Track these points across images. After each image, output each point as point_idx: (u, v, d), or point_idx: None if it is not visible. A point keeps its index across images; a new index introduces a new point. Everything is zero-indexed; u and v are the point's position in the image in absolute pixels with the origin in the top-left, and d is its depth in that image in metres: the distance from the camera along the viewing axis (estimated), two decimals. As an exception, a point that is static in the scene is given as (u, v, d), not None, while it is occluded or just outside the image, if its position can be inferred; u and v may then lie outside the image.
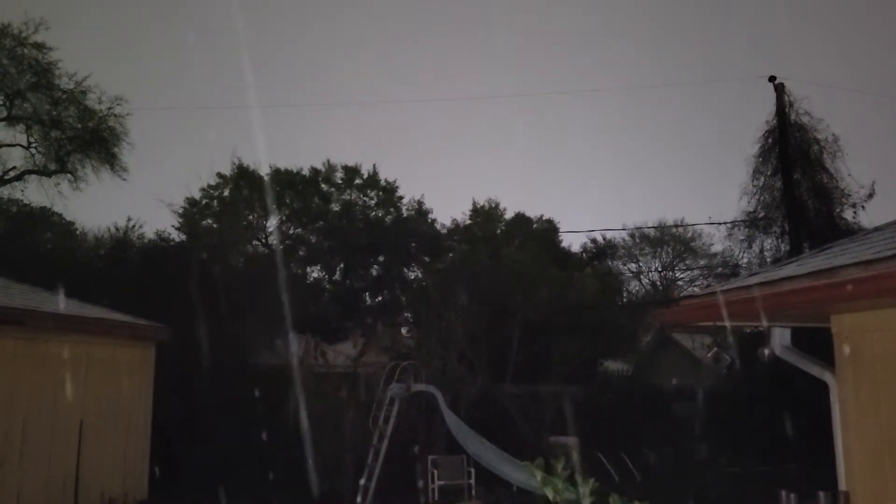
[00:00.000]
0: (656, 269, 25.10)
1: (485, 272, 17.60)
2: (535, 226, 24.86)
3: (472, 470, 12.92)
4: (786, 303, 4.78)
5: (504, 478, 12.81)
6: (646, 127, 39.16)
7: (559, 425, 15.15)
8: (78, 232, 22.10)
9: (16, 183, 19.47)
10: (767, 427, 12.79)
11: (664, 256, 24.93)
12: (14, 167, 19.26)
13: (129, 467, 10.21)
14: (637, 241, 25.08)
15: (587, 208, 39.78)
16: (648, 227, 24.59)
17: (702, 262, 24.43)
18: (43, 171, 19.49)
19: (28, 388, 8.49)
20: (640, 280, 25.32)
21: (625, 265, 25.26)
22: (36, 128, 19.13)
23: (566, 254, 23.44)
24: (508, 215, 25.66)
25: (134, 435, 10.38)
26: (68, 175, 19.53)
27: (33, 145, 19.34)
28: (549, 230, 24.33)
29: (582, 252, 24.69)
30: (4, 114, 18.65)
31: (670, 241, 24.80)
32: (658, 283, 24.87)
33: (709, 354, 18.57)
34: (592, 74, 35.47)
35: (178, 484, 12.35)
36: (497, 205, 26.07)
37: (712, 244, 24.52)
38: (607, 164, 39.98)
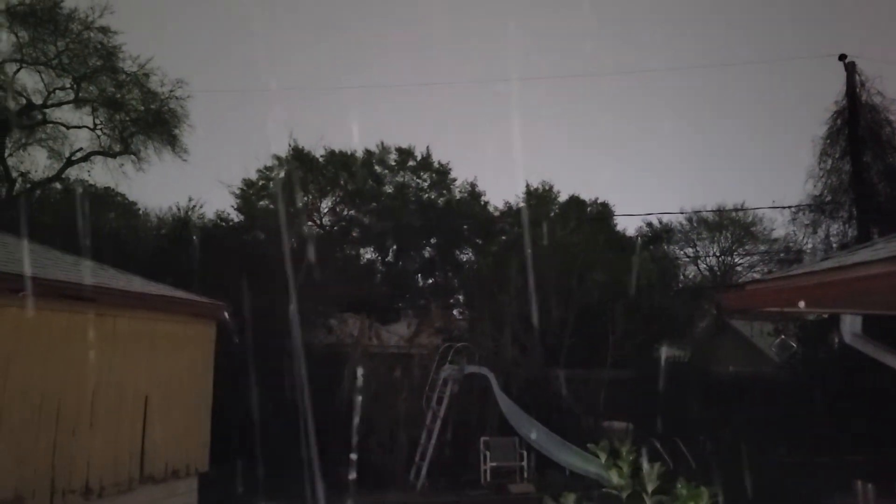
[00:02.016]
0: (714, 254, 24.54)
1: (539, 255, 17.46)
2: (589, 209, 24.55)
3: (525, 452, 12.92)
4: (861, 289, 4.59)
5: (557, 461, 12.78)
6: (706, 108, 38.13)
7: (612, 410, 15.03)
8: (140, 211, 22.77)
9: (83, 164, 20.11)
10: (831, 416, 12.43)
11: (723, 241, 24.34)
12: (81, 148, 19.91)
13: (190, 440, 10.48)
14: (695, 225, 24.56)
15: (643, 191, 39.03)
16: (707, 211, 24.05)
17: (762, 248, 23.80)
18: (108, 153, 20.08)
19: (97, 362, 8.75)
20: (697, 265, 24.80)
21: (681, 250, 24.80)
22: (101, 110, 19.69)
23: (621, 237, 23.11)
24: (562, 198, 25.41)
25: (195, 409, 10.64)
26: (132, 156, 20.10)
27: (99, 127, 19.93)
28: (603, 213, 24.01)
29: (637, 236, 24.33)
30: (72, 96, 19.24)
31: (729, 225, 24.20)
32: (716, 268, 24.30)
33: (776, 342, 18.08)
34: (649, 55, 34.70)
35: (236, 457, 12.70)
36: (551, 188, 25.84)
37: (774, 229, 23.86)
38: (665, 146, 39.16)
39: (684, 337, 20.52)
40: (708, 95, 36.23)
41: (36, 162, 19.80)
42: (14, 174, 19.30)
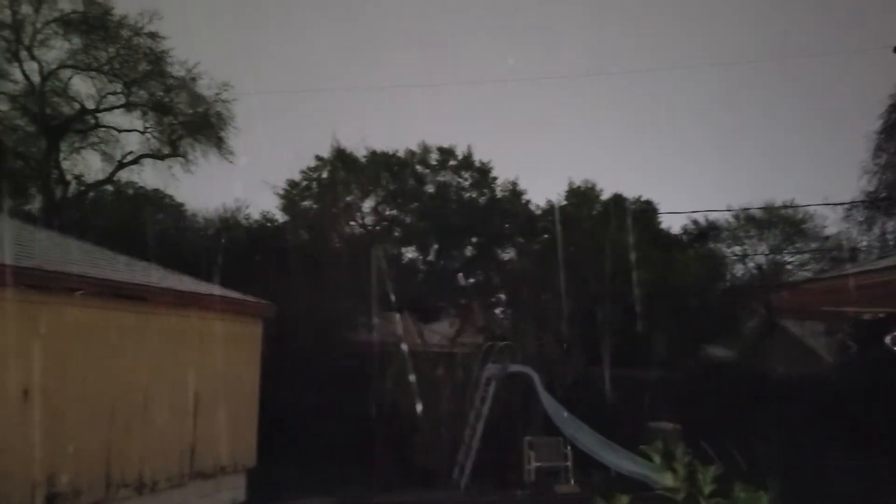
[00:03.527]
0: (763, 252, 23.98)
1: (582, 254, 17.32)
2: (632, 207, 24.21)
3: (569, 452, 12.81)
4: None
5: (602, 462, 12.65)
6: (754, 103, 37.31)
7: (658, 411, 14.80)
8: (188, 213, 23.22)
9: (133, 166, 20.60)
10: (888, 418, 12.05)
11: (772, 239, 23.77)
12: (131, 151, 20.39)
13: (238, 437, 10.67)
14: (742, 222, 24.03)
15: (689, 189, 38.24)
16: (755, 208, 23.53)
17: (813, 246, 23.17)
18: (157, 155, 20.52)
19: (149, 360, 8.97)
20: (745, 263, 24.28)
21: (728, 248, 24.30)
22: (151, 114, 20.14)
23: (666, 236, 22.74)
24: (605, 196, 25.10)
25: (243, 406, 10.83)
26: (180, 158, 20.50)
27: (148, 130, 20.39)
28: (647, 211, 23.65)
29: (683, 234, 23.89)
30: (123, 101, 19.73)
31: (779, 222, 23.62)
32: (764, 266, 23.75)
33: (832, 341, 17.60)
34: (695, 50, 34.08)
35: (282, 454, 12.86)
36: (593, 186, 25.53)
37: (825, 226, 23.21)
38: (710, 142, 38.40)
39: (732, 337, 20.12)
40: (756, 90, 35.48)
41: (89, 165, 20.37)
42: (68, 177, 19.88)
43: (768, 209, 23.55)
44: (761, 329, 20.37)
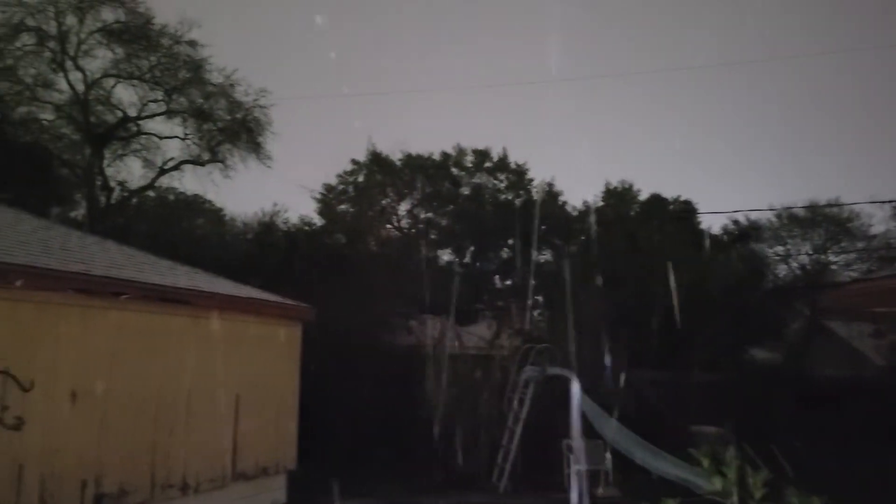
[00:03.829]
0: (806, 252, 23.44)
1: (620, 255, 17.15)
2: (671, 207, 23.91)
3: (609, 456, 12.66)
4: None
5: (642, 465, 12.49)
6: (796, 99, 36.55)
7: (701, 414, 14.56)
8: (227, 217, 23.60)
9: (174, 172, 21.01)
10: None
11: (816, 239, 23.23)
12: (172, 158, 20.82)
13: (279, 438, 10.76)
14: (785, 222, 23.54)
15: (729, 188, 37.58)
16: (798, 207, 23.02)
17: (859, 245, 22.57)
18: (197, 161, 20.91)
19: (192, 363, 9.09)
20: (788, 264, 23.76)
21: (771, 248, 23.82)
22: (191, 120, 20.52)
23: (706, 236, 22.40)
24: (643, 197, 24.86)
25: (283, 409, 10.92)
26: (219, 164, 20.85)
27: (188, 137, 20.78)
28: (686, 211, 23.34)
29: (723, 234, 23.49)
30: (164, 108, 20.14)
31: (823, 221, 23.08)
32: (808, 266, 23.22)
33: (881, 343, 17.11)
34: (733, 46, 33.54)
35: (322, 456, 12.95)
36: (630, 186, 25.32)
37: (872, 225, 22.60)
38: (752, 140, 37.69)
39: (776, 339, 19.71)
40: (800, 87, 34.72)
41: (131, 171, 20.83)
42: (112, 183, 20.35)
43: (812, 208, 23.04)
44: (806, 331, 19.93)
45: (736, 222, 23.72)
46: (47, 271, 7.27)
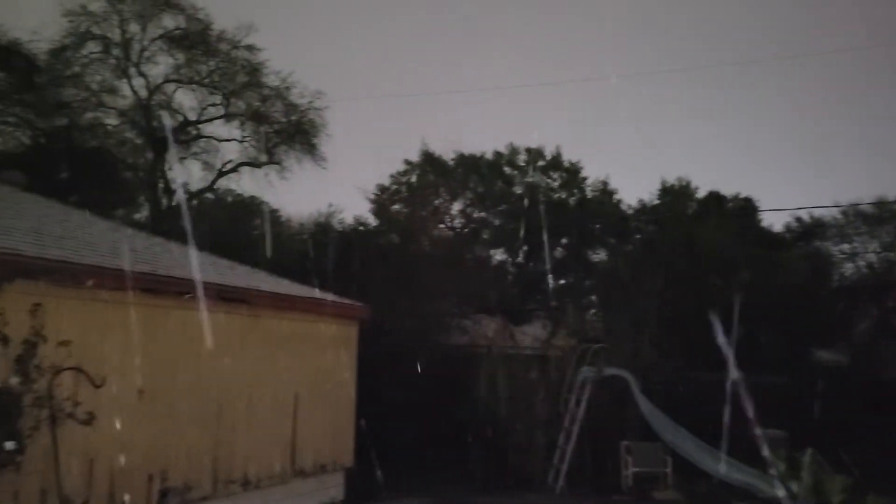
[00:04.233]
0: (874, 250, 22.52)
1: (677, 253, 16.79)
2: (730, 204, 23.30)
3: (669, 458, 12.42)
4: None
5: (704, 468, 12.21)
6: (861, 92, 35.23)
7: (764, 417, 14.14)
8: (283, 218, 23.98)
9: (232, 174, 21.48)
10: None
11: (884, 236, 22.31)
12: (230, 160, 21.27)
13: (336, 437, 10.90)
14: (851, 219, 22.67)
15: (792, 185, 36.42)
16: (865, 204, 22.13)
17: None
18: (254, 163, 21.32)
19: (252, 361, 9.28)
20: (854, 262, 22.88)
21: (836, 246, 22.97)
22: (248, 123, 20.94)
23: (768, 234, 21.75)
24: (701, 194, 24.28)
25: (341, 407, 11.06)
26: (276, 165, 21.22)
27: (246, 139, 21.21)
28: (747, 209, 22.70)
29: (785, 232, 22.76)
30: (222, 112, 20.60)
31: (892, 218, 22.15)
32: (876, 265, 22.32)
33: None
34: (795, 38, 32.52)
35: (378, 454, 13.03)
36: (688, 183, 24.75)
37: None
38: (815, 135, 36.51)
39: (842, 339, 19.02)
40: (865, 78, 33.44)
41: (191, 174, 21.37)
42: (174, 186, 20.89)
43: (880, 204, 22.14)
44: (874, 331, 19.16)
45: (799, 220, 22.97)
46: (115, 272, 7.49)
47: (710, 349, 15.38)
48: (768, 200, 38.19)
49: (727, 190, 23.47)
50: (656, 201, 24.30)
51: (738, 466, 11.96)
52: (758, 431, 13.39)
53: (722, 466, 12.11)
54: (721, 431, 13.05)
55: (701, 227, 18.79)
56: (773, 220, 24.73)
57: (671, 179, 24.58)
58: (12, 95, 16.39)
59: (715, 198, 23.25)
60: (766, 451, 10.73)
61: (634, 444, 12.74)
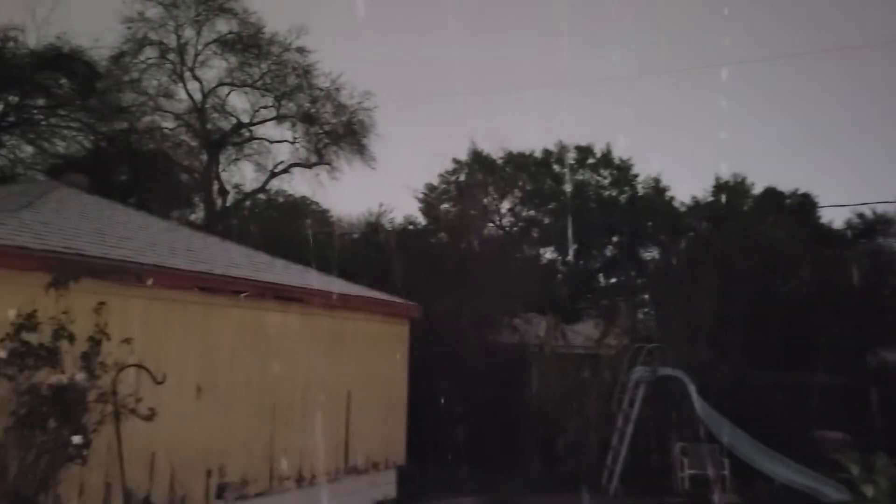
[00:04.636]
0: (942, 246, 21.67)
1: (734, 251, 16.39)
2: (788, 201, 22.69)
3: (727, 461, 12.12)
4: None
5: (763, 471, 11.89)
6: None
7: (823, 418, 13.73)
8: (333, 218, 24.26)
9: (283, 175, 21.83)
10: None
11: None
12: (282, 161, 21.63)
13: (389, 435, 10.93)
14: (916, 214, 21.87)
15: (853, 180, 35.18)
16: (931, 198, 21.34)
17: None
18: (305, 164, 21.64)
19: (306, 359, 9.37)
20: (921, 259, 22.05)
21: (901, 242, 22.18)
22: (299, 125, 21.26)
23: (828, 231, 21.11)
24: (756, 190, 23.72)
25: (392, 405, 11.09)
26: (326, 166, 21.50)
27: (297, 140, 21.53)
28: (805, 205, 22.07)
29: (846, 228, 22.06)
30: (274, 114, 20.96)
31: (960, 212, 21.30)
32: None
33: None
34: (855, 29, 31.43)
35: (429, 453, 13.06)
36: (743, 179, 24.21)
37: None
38: (877, 127, 35.20)
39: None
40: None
41: (244, 175, 21.78)
42: (228, 187, 21.34)
43: (948, 198, 21.29)
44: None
45: (861, 216, 22.21)
46: (175, 271, 7.67)
47: (768, 349, 15.02)
48: (828, 196, 37.05)
49: (785, 186, 22.89)
50: (710, 198, 23.85)
51: (800, 470, 11.63)
52: (818, 433, 13.03)
53: (783, 469, 11.79)
54: (780, 433, 12.71)
55: (758, 224, 18.33)
56: (834, 217, 24.01)
57: (725, 176, 24.09)
58: (75, 101, 16.94)
59: (772, 194, 22.70)
60: (835, 455, 10.38)
61: (690, 445, 12.47)
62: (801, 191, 22.81)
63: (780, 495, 11.60)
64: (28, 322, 5.51)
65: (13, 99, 16.42)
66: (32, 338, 5.53)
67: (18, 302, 5.57)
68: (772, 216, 19.12)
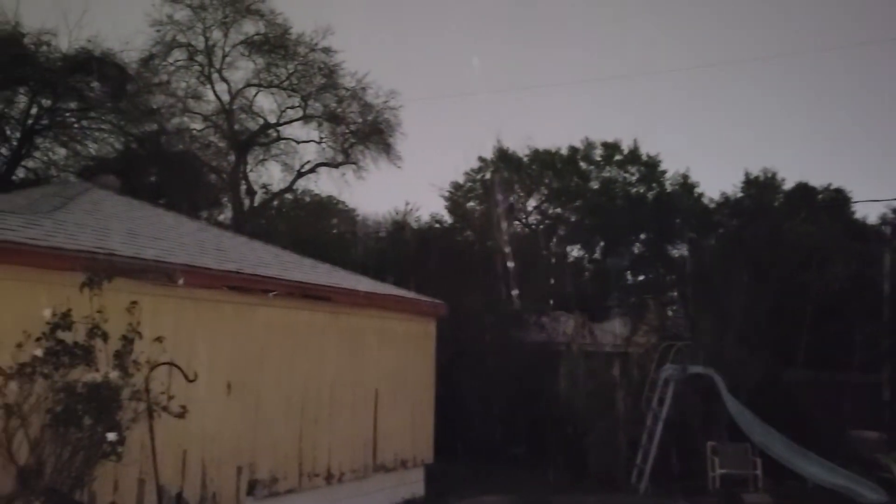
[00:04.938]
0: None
1: (764, 246, 16.15)
2: (820, 196, 22.28)
3: (758, 460, 11.95)
4: None
5: (796, 471, 11.71)
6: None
7: (859, 417, 13.48)
8: (359, 217, 24.38)
9: (310, 175, 21.97)
10: None
11: None
12: (308, 161, 21.78)
13: (416, 433, 10.94)
14: (954, 208, 21.33)
15: (887, 174, 34.53)
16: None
17: None
18: (331, 164, 21.76)
19: (334, 357, 9.42)
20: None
21: (937, 237, 21.66)
22: (325, 124, 21.38)
23: (862, 226, 20.69)
24: (787, 186, 23.32)
25: (420, 403, 11.09)
26: (352, 165, 21.61)
27: (323, 140, 21.66)
28: (838, 200, 21.66)
29: (881, 224, 21.61)
30: (300, 114, 21.10)
31: None
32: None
33: None
34: (884, 22, 30.80)
35: (457, 451, 13.07)
36: (774, 175, 23.82)
37: None
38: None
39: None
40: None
41: (271, 175, 21.97)
42: (255, 187, 21.54)
43: None
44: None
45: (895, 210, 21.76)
46: (205, 270, 7.75)
47: (800, 346, 14.79)
48: (862, 191, 36.40)
49: (816, 181, 22.49)
50: (740, 194, 23.51)
51: (834, 469, 11.43)
52: (853, 433, 12.79)
53: (816, 469, 11.59)
54: (813, 432, 12.51)
55: (789, 220, 18.04)
56: (868, 212, 23.55)
57: (755, 171, 23.74)
58: (106, 104, 17.22)
59: (803, 189, 22.31)
60: (873, 454, 10.21)
61: (721, 444, 12.32)
62: (834, 186, 22.41)
63: (814, 495, 11.42)
64: (63, 321, 5.60)
65: (46, 102, 16.71)
66: (67, 336, 5.62)
67: (54, 301, 5.66)
68: (803, 212, 18.79)
